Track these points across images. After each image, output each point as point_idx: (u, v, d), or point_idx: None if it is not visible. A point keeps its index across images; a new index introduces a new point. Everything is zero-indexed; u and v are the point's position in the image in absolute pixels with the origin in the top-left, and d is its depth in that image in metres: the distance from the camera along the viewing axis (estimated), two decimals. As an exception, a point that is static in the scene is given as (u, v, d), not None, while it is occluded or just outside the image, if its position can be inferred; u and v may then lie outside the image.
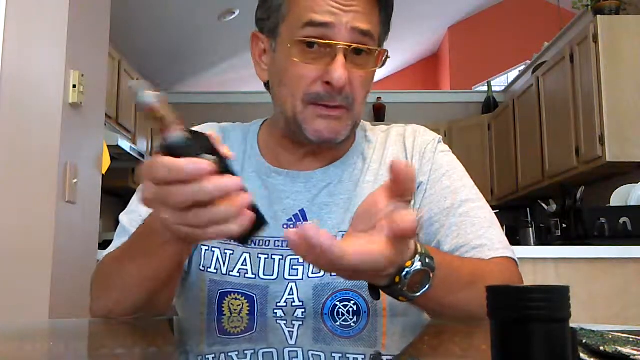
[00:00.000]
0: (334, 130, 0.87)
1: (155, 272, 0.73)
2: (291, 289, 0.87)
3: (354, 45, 0.84)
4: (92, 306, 0.84)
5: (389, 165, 0.59)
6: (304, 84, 0.86)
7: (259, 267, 0.88)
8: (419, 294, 0.65)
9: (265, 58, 0.94)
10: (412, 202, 0.92)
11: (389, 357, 0.57)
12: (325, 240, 0.54)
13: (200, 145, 0.60)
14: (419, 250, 0.64)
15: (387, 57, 0.90)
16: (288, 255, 0.88)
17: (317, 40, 0.84)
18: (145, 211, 0.85)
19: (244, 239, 0.64)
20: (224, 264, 0.90)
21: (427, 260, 0.64)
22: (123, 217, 0.92)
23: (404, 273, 0.63)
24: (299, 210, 0.91)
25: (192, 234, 0.62)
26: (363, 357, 0.57)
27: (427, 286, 0.65)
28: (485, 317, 0.35)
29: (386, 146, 0.98)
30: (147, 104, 0.58)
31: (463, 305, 0.74)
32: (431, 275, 0.65)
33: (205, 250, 0.91)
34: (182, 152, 0.59)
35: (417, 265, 0.63)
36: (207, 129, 1.00)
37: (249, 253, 0.89)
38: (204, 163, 0.58)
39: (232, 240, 0.65)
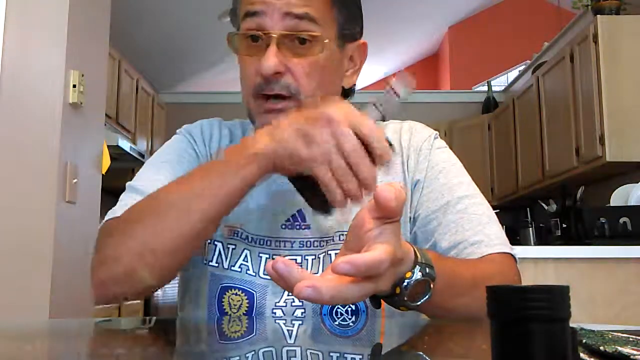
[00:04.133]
0: None
1: (230, 191, 0.73)
2: None
3: (285, 32, 0.83)
4: (107, 255, 0.77)
5: (376, 193, 0.57)
6: (249, 78, 0.86)
7: (260, 266, 0.88)
8: (419, 303, 0.65)
9: None
10: (409, 204, 0.92)
11: (388, 356, 0.57)
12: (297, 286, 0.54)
13: None
14: (419, 259, 0.64)
15: (337, 41, 0.88)
16: (287, 256, 0.88)
17: (251, 31, 0.85)
18: (161, 179, 0.86)
19: (321, 209, 0.73)
20: (225, 258, 0.89)
21: (428, 270, 0.64)
22: (133, 183, 0.90)
23: (405, 284, 0.62)
24: (297, 211, 0.91)
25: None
26: (361, 356, 0.57)
27: (428, 295, 0.65)
28: (485, 319, 0.35)
29: None
30: None
31: (463, 309, 0.74)
32: (432, 285, 0.64)
33: (208, 243, 0.90)
34: None
35: (418, 275, 0.63)
36: (215, 122, 1.01)
37: (250, 250, 0.89)
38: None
39: (318, 210, 0.75)
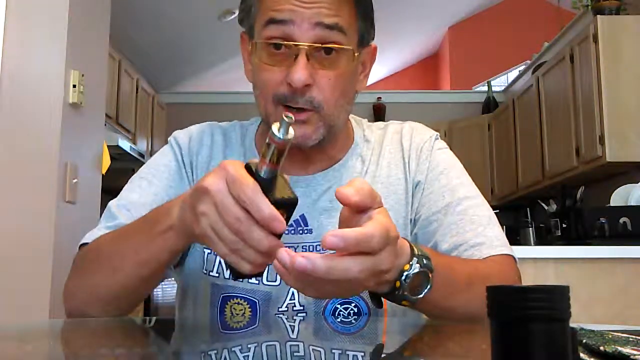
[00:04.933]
0: (303, 134, 0.84)
1: (149, 258, 0.74)
2: (292, 293, 0.87)
3: (316, 45, 0.81)
4: (69, 288, 0.84)
5: (336, 194, 0.58)
6: (271, 86, 0.84)
7: (264, 272, 0.88)
8: (421, 295, 0.65)
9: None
10: (410, 206, 0.92)
11: (389, 355, 0.57)
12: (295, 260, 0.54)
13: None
14: (416, 252, 0.64)
15: (356, 49, 0.86)
16: None
17: (279, 41, 0.82)
18: (135, 200, 0.88)
19: (239, 276, 0.65)
20: (226, 268, 0.89)
21: (425, 261, 0.64)
22: (113, 202, 0.92)
23: (404, 277, 0.62)
24: (300, 216, 0.90)
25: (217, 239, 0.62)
26: (363, 354, 0.57)
27: (428, 287, 0.65)
28: (484, 317, 0.35)
29: (383, 145, 0.97)
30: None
31: (463, 307, 0.74)
32: (430, 275, 0.65)
33: (208, 253, 0.90)
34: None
35: (416, 267, 0.63)
36: (207, 127, 1.00)
37: None
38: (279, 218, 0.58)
39: (243, 279, 0.68)
